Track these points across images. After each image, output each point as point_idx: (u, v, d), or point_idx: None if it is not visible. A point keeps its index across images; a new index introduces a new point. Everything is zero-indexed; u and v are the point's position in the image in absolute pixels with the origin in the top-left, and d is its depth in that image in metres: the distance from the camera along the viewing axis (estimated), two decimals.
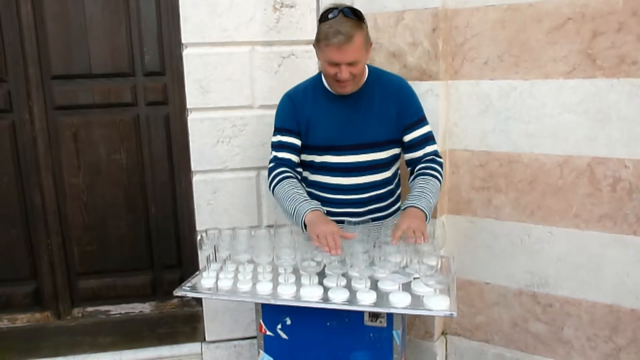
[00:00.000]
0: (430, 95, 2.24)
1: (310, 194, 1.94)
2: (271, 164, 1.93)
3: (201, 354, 2.63)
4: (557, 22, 2.05)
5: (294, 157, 1.92)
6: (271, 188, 1.90)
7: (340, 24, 1.67)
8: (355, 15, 1.70)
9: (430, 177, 1.86)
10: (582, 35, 2.01)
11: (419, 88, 2.25)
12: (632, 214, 2.03)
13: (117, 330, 2.62)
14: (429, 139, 1.92)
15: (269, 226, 2.44)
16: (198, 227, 2.50)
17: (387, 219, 1.99)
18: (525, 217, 2.25)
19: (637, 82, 1.94)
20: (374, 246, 1.64)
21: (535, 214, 2.22)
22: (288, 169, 1.90)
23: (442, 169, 1.91)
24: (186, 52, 2.35)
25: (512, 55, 2.16)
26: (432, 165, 1.89)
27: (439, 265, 1.63)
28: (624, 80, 1.96)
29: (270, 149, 1.97)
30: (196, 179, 2.47)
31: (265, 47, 2.38)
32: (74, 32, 2.38)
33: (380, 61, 2.34)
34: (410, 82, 2.24)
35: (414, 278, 1.65)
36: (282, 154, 1.91)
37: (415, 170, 1.92)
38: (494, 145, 2.27)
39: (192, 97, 2.38)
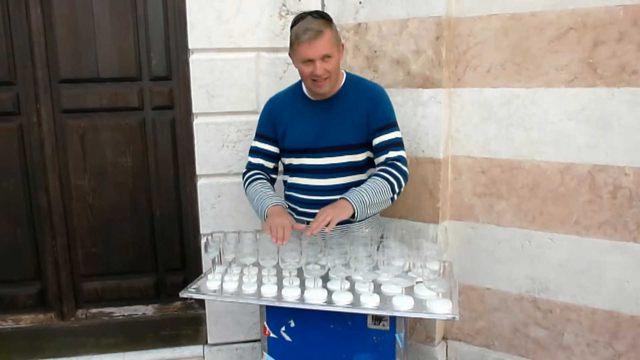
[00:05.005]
0: (433, 103, 2.27)
1: (289, 197, 2.04)
2: (245, 170, 2.07)
3: (203, 356, 2.65)
4: (558, 31, 2.08)
5: (266, 162, 2.06)
6: (245, 190, 2.03)
7: (309, 23, 1.77)
8: (322, 17, 1.80)
9: (379, 178, 1.82)
10: (583, 45, 2.04)
11: (422, 95, 2.28)
12: (632, 221, 2.05)
13: (120, 331, 2.64)
14: (395, 144, 1.89)
15: None
16: (202, 231, 2.52)
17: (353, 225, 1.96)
18: (526, 223, 2.27)
19: (638, 91, 1.97)
20: (377, 250, 1.67)
21: (537, 220, 2.24)
22: (259, 172, 2.04)
23: (400, 174, 1.84)
24: (193, 58, 2.38)
25: (514, 64, 2.19)
26: (388, 168, 1.85)
27: (442, 270, 1.66)
28: (624, 89, 1.99)
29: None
30: (201, 183, 2.50)
31: (270, 53, 2.41)
32: (82, 37, 2.41)
33: (384, 68, 2.37)
34: (413, 89, 2.30)
35: (417, 282, 1.67)
36: (255, 160, 2.06)
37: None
38: (496, 152, 2.29)
39: (198, 101, 2.41)
